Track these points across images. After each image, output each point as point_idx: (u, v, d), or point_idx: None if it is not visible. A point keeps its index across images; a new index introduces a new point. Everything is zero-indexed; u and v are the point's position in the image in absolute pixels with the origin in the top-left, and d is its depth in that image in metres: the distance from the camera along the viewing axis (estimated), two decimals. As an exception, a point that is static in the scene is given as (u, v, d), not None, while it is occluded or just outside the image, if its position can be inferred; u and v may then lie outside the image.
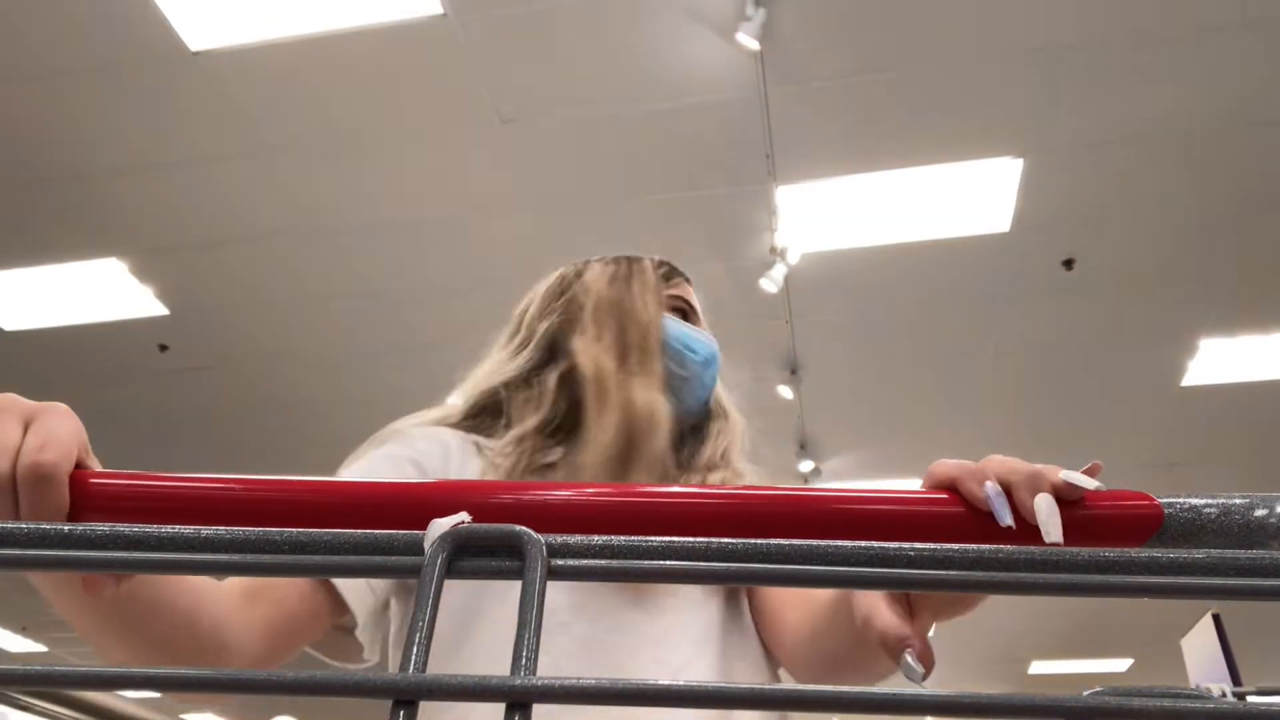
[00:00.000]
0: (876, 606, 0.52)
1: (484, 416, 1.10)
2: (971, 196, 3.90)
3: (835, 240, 4.15)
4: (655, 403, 1.03)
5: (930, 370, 4.96)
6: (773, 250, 4.15)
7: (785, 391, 5.03)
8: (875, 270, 4.27)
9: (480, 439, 1.06)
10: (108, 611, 0.66)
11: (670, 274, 1.21)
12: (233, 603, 0.76)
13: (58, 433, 0.50)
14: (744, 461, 1.18)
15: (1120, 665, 9.24)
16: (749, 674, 0.95)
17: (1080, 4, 3.13)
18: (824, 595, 0.82)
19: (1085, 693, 0.32)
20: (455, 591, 0.90)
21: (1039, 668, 9.23)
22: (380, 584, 0.91)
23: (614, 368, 1.06)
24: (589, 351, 1.08)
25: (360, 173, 3.92)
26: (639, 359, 1.07)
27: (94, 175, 3.95)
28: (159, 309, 4.68)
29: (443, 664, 0.86)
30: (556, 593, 0.90)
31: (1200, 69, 3.29)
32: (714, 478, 1.08)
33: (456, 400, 1.14)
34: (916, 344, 4.78)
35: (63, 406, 0.53)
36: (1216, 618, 3.17)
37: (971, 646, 8.87)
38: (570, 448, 1.04)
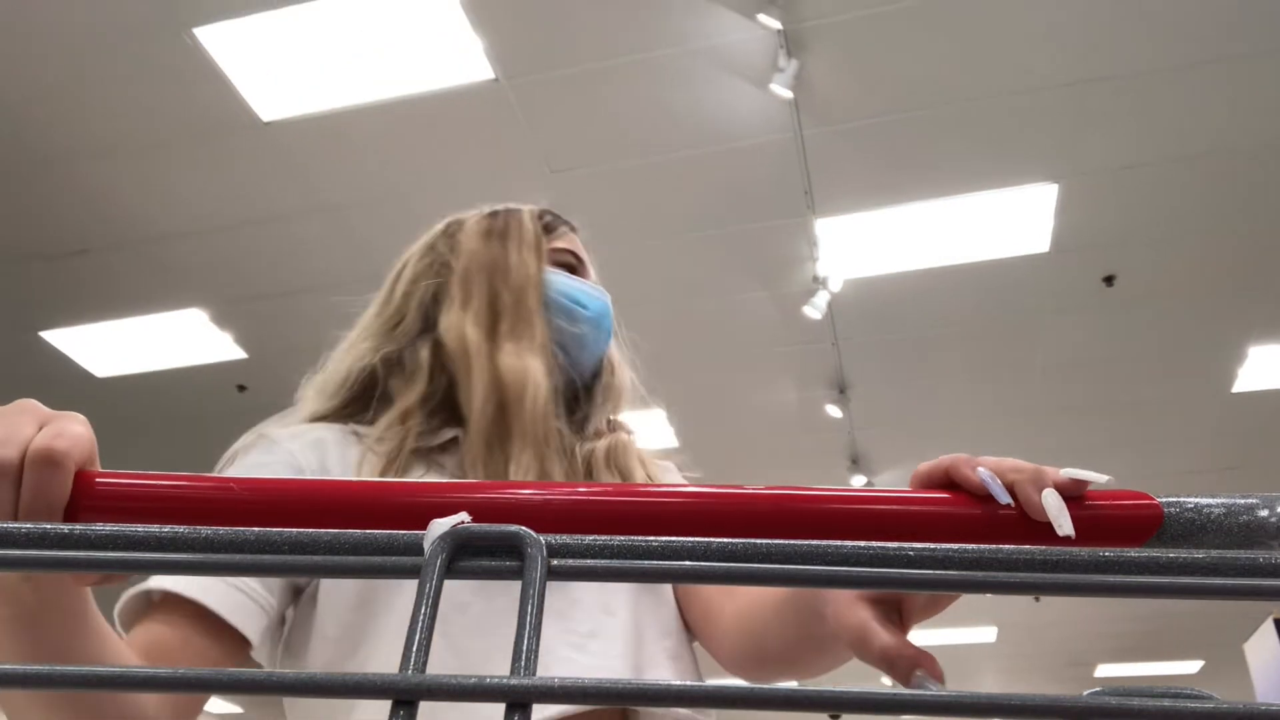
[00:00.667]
0: (865, 623, 0.46)
1: (359, 402, 0.95)
2: (1008, 221, 3.84)
3: (876, 266, 4.12)
4: (526, 369, 0.91)
5: (978, 385, 4.89)
6: (815, 279, 4.14)
7: (834, 411, 4.99)
8: (917, 292, 4.23)
9: (358, 427, 0.93)
10: (37, 621, 0.59)
11: (553, 224, 1.06)
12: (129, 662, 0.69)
13: (71, 429, 0.49)
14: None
15: (1190, 668, 8.84)
16: (660, 641, 0.86)
17: (1106, 40, 3.09)
18: (769, 590, 0.74)
19: (1085, 692, 0.29)
20: (347, 586, 0.81)
21: (1105, 671, 8.92)
22: (271, 601, 0.81)
23: (481, 336, 0.93)
24: (455, 321, 0.95)
25: (418, 223, 3.94)
26: (512, 323, 0.95)
27: (177, 236, 4.05)
28: (237, 353, 4.76)
29: (348, 657, 0.79)
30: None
31: (1228, 93, 3.23)
32: (601, 445, 0.97)
33: (310, 392, 0.98)
34: (963, 361, 4.71)
35: (79, 415, 0.51)
36: (1278, 621, 3.02)
37: (1035, 650, 8.63)
38: (459, 426, 0.93)
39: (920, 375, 4.86)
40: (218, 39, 3.20)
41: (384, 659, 0.77)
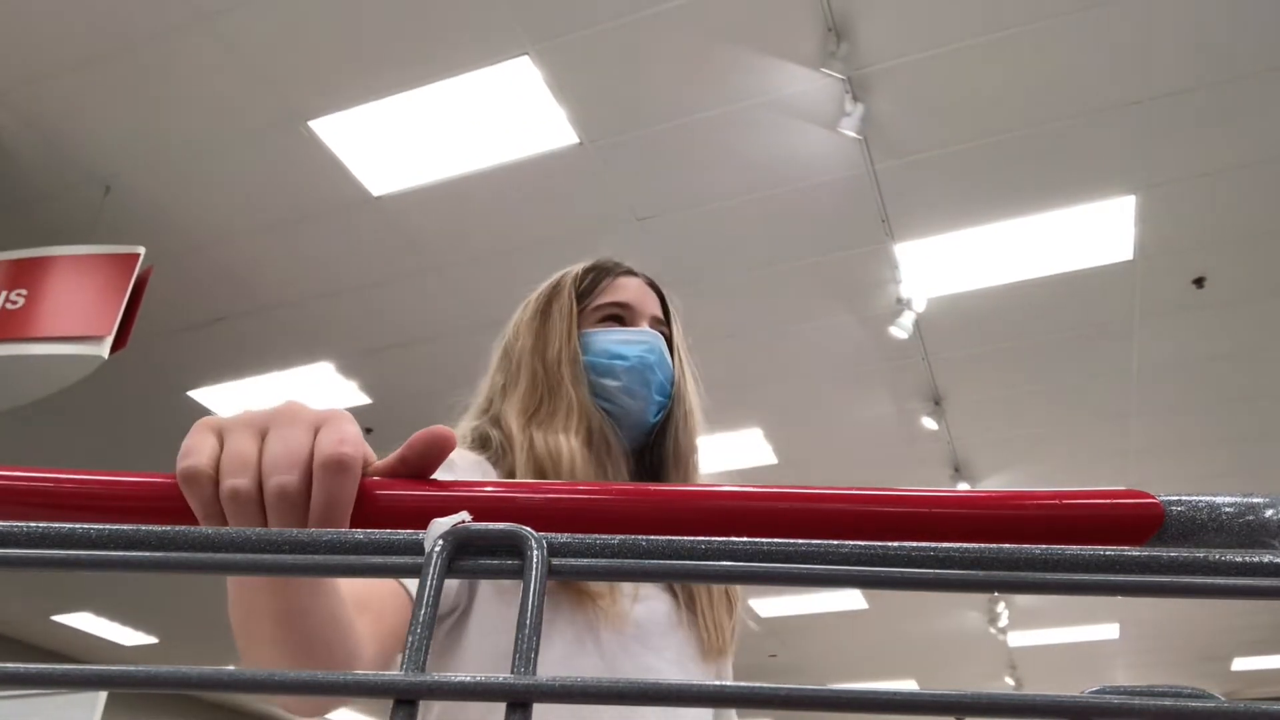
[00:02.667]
0: None
1: (486, 443, 0.99)
2: (1088, 233, 3.70)
3: (959, 284, 4.03)
4: (559, 447, 0.91)
5: (1073, 391, 4.71)
6: (899, 301, 4.07)
7: (929, 423, 4.89)
8: (1003, 306, 4.12)
9: (486, 463, 0.96)
10: (285, 604, 0.59)
11: (597, 280, 1.04)
12: (352, 612, 0.68)
13: (351, 431, 0.45)
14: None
15: None
16: None
17: (1167, 57, 2.98)
18: None
19: (1087, 691, 0.26)
20: (493, 614, 0.83)
21: (1242, 664, 8.32)
22: (455, 585, 0.84)
23: (521, 423, 0.95)
24: (505, 410, 0.98)
25: (517, 276, 4.03)
26: (552, 402, 0.96)
27: (304, 300, 4.24)
28: (363, 399, 4.95)
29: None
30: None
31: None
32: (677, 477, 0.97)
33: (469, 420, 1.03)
34: (1055, 368, 4.54)
35: (348, 413, 0.47)
36: None
37: (1170, 646, 8.13)
38: None
39: (1015, 383, 4.70)
40: (330, 128, 3.37)
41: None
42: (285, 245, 3.97)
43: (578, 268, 1.06)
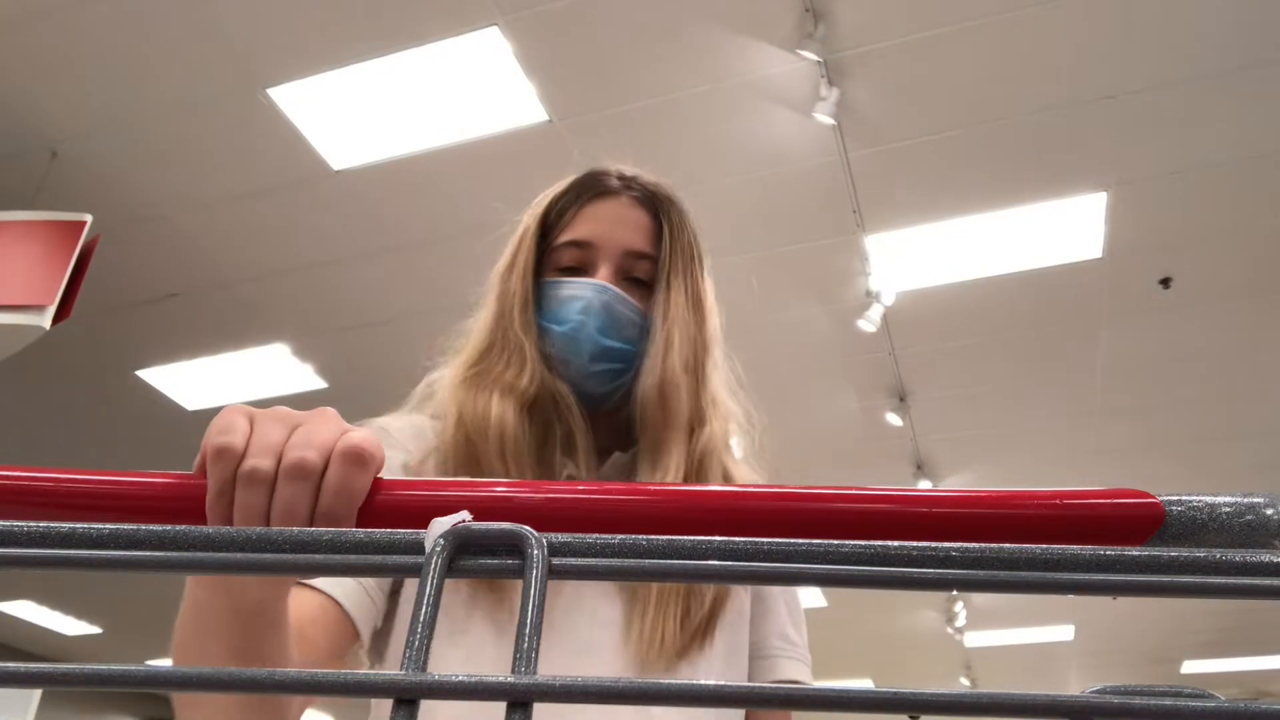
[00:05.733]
0: None
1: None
2: (1058, 230, 3.75)
3: (928, 278, 4.07)
4: (488, 410, 0.81)
5: (1038, 390, 4.78)
6: (868, 293, 4.10)
7: (894, 419, 4.93)
8: (971, 302, 4.16)
9: (428, 428, 0.88)
10: (248, 621, 0.60)
11: (566, 208, 0.91)
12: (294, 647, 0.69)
13: (370, 435, 0.45)
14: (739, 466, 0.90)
15: None
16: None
17: (1144, 52, 3.02)
18: None
19: (1087, 690, 0.27)
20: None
21: (1191, 667, 8.56)
22: (382, 601, 0.79)
23: (456, 382, 0.86)
24: (453, 372, 0.88)
25: (481, 257, 4.00)
26: (500, 354, 0.86)
27: (259, 278, 4.18)
28: (319, 383, 4.88)
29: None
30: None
31: (1268, 97, 3.13)
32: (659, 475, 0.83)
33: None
34: (1021, 366, 4.61)
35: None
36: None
37: (1122, 648, 8.33)
38: None
39: (980, 380, 4.77)
40: (289, 97, 3.31)
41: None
42: (240, 219, 3.89)
43: (560, 186, 0.94)
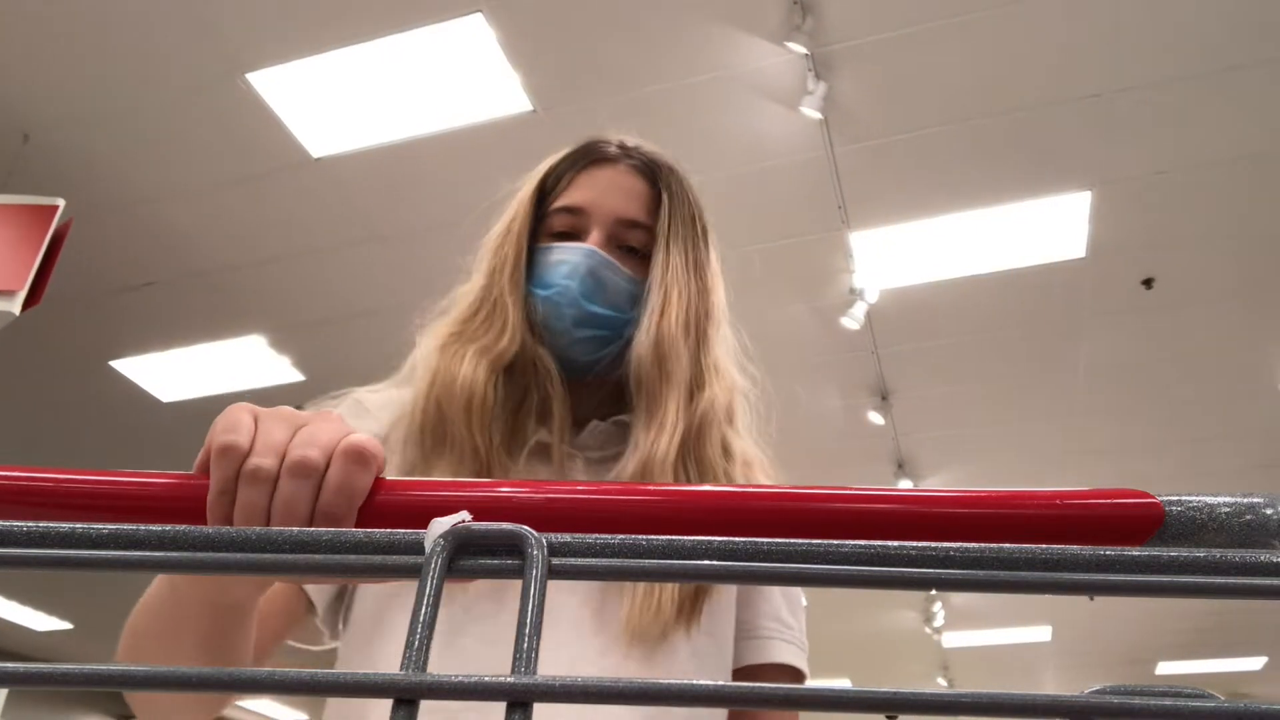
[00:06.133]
0: None
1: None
2: (1042, 229, 3.77)
3: (912, 276, 4.09)
4: (458, 371, 0.80)
5: (1020, 390, 4.82)
6: (852, 291, 4.12)
7: (876, 418, 4.95)
8: (955, 300, 4.18)
9: (407, 400, 0.87)
10: (226, 614, 0.63)
11: (562, 174, 0.90)
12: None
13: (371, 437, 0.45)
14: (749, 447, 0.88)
15: (1254, 664, 8.53)
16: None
17: (1131, 50, 3.04)
18: None
19: (1086, 690, 0.28)
20: (368, 599, 0.79)
21: (1166, 668, 8.66)
22: (323, 589, 0.81)
23: (446, 332, 0.85)
24: (436, 330, 0.87)
25: (462, 249, 3.98)
26: (486, 317, 0.84)
27: (236, 267, 4.14)
28: (296, 376, 4.83)
29: (364, 645, 0.77)
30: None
31: (1256, 97, 3.16)
32: (634, 460, 0.79)
33: None
34: (1004, 366, 4.65)
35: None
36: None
37: (1092, 649, 8.41)
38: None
39: (962, 380, 4.80)
40: (269, 83, 3.28)
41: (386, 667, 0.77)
42: (217, 207, 3.85)
43: (560, 153, 0.93)
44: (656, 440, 0.79)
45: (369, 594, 0.81)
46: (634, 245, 0.88)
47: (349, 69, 3.20)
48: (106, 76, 3.28)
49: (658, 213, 0.89)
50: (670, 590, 0.76)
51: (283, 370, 4.80)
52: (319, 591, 0.80)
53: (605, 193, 0.88)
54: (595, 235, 0.87)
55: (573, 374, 0.86)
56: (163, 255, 4.09)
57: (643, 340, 0.83)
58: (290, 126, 3.44)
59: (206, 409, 5.07)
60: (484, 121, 3.40)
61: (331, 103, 3.35)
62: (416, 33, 3.07)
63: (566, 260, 0.85)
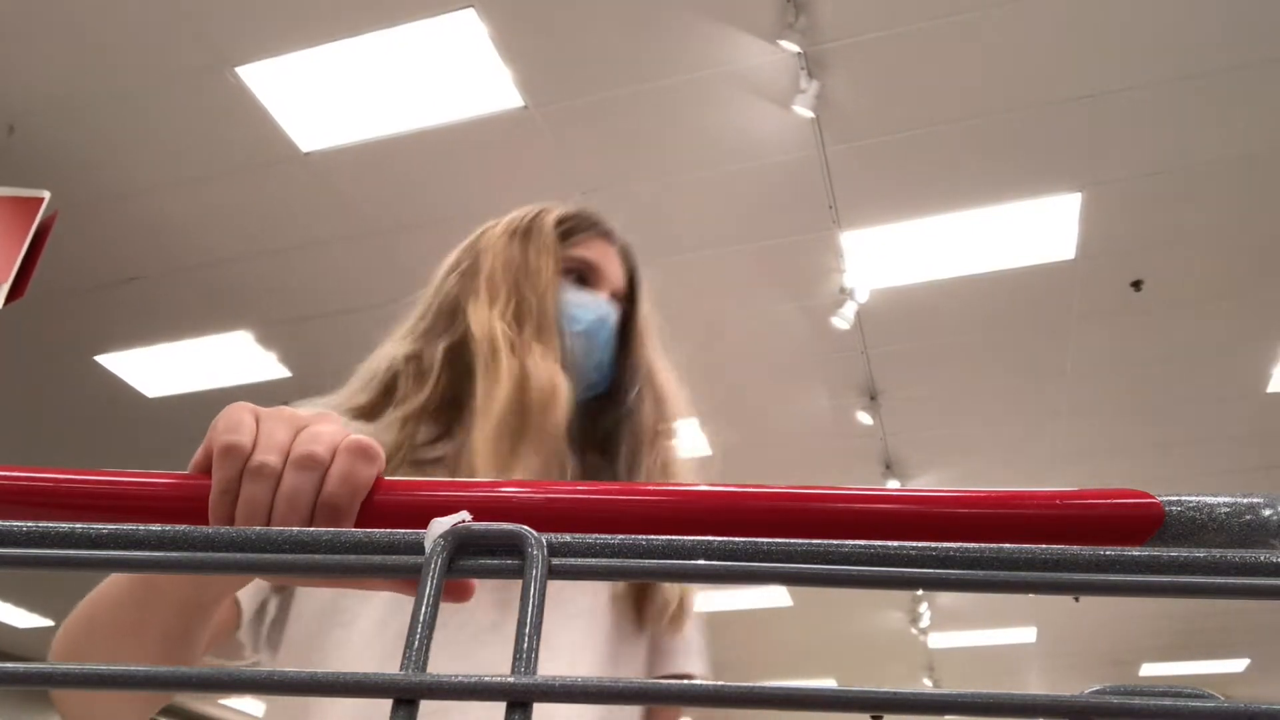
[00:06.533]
0: None
1: (382, 401, 0.91)
2: (1032, 229, 3.79)
3: (903, 276, 4.10)
4: (554, 374, 0.86)
5: (1009, 391, 4.84)
6: (842, 290, 4.13)
7: (864, 418, 4.97)
8: (944, 301, 4.20)
9: (363, 424, 0.89)
10: (197, 611, 0.64)
11: (575, 229, 0.99)
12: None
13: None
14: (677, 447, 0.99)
15: (1237, 666, 8.61)
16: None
17: (1122, 51, 3.06)
18: None
19: (1086, 690, 0.28)
20: (317, 595, 0.81)
21: (1150, 670, 8.72)
22: (265, 585, 0.81)
23: (512, 333, 0.88)
24: (483, 317, 0.90)
25: (454, 246, 3.97)
26: (536, 326, 0.89)
27: (223, 262, 4.12)
28: (282, 372, 4.81)
29: (304, 663, 0.78)
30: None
31: (1246, 99, 3.18)
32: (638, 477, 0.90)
33: (348, 386, 0.95)
34: (992, 367, 4.67)
35: None
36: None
37: (1077, 650, 8.45)
38: (455, 439, 0.88)
39: (951, 381, 4.82)
40: (259, 77, 3.26)
41: (346, 662, 0.77)
42: (205, 201, 3.83)
43: (560, 207, 1.01)
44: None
45: (304, 614, 0.82)
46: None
47: (340, 63, 3.19)
48: (94, 69, 3.26)
49: (631, 294, 1.03)
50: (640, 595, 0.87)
51: (269, 366, 4.78)
52: (249, 601, 0.80)
53: (611, 263, 1.00)
54: (604, 295, 0.98)
55: (578, 390, 0.94)
56: (150, 249, 4.06)
57: (648, 416, 0.97)
58: (280, 121, 3.42)
59: (193, 405, 5.06)
60: (475, 117, 3.39)
61: (322, 97, 3.34)
62: (408, 27, 3.06)
63: (594, 307, 0.96)
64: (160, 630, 0.65)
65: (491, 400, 0.85)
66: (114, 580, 0.67)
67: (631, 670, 0.85)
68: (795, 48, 3.04)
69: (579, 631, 0.82)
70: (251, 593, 0.80)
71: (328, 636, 0.79)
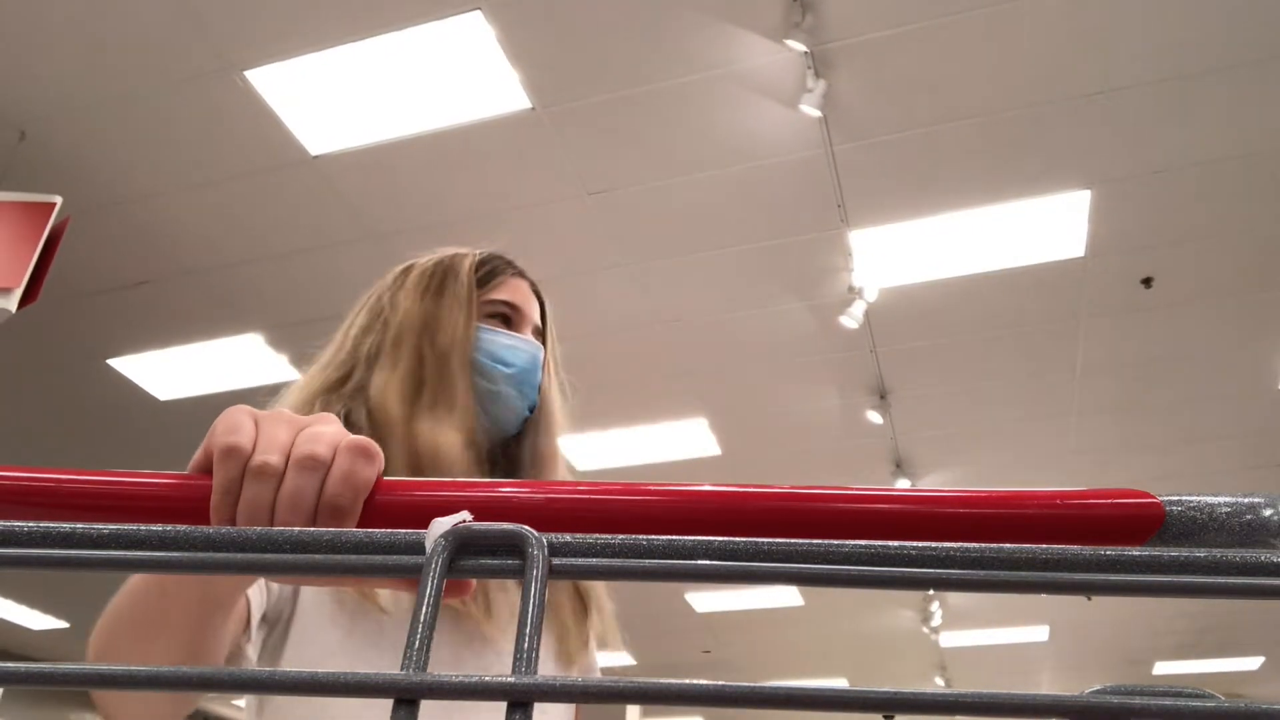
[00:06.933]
0: None
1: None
2: (1042, 227, 3.77)
3: (911, 275, 4.08)
4: (439, 444, 0.90)
5: (1018, 389, 4.82)
6: (850, 289, 4.12)
7: (875, 417, 4.96)
8: (953, 299, 4.18)
9: None
10: (213, 612, 0.65)
11: (493, 273, 1.03)
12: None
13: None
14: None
15: (1251, 664, 8.54)
16: None
17: (1130, 49, 3.04)
18: None
19: (1086, 691, 0.28)
20: (320, 640, 0.83)
21: (1163, 669, 8.68)
22: (276, 590, 0.85)
23: (401, 407, 0.92)
24: (380, 387, 0.94)
25: (461, 246, 3.98)
26: (435, 389, 0.94)
27: (234, 265, 4.13)
28: (294, 374, 4.77)
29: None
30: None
31: (1256, 96, 3.16)
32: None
33: None
34: (1002, 365, 4.64)
35: None
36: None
37: (1090, 649, 8.41)
38: None
39: (960, 380, 4.80)
40: (267, 80, 3.27)
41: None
42: (215, 205, 3.85)
43: (473, 253, 1.05)
44: None
45: (309, 642, 0.84)
46: None
47: (348, 66, 3.20)
48: (104, 74, 3.28)
49: (544, 326, 1.08)
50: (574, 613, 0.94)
51: (280, 369, 4.79)
52: (258, 602, 0.82)
53: (528, 301, 1.05)
54: (527, 333, 1.03)
55: (496, 445, 1.01)
56: (161, 253, 4.09)
57: (546, 438, 1.03)
58: (288, 124, 3.43)
59: (204, 407, 5.08)
60: (483, 119, 3.40)
61: (330, 100, 3.35)
62: (415, 30, 3.07)
63: (525, 349, 1.00)
64: (180, 629, 0.65)
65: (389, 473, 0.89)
66: (129, 585, 0.68)
67: None
68: (802, 47, 3.04)
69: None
70: (258, 600, 0.82)
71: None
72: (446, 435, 0.90)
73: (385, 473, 0.86)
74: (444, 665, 0.82)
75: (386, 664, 0.81)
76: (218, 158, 3.60)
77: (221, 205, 3.84)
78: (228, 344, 4.63)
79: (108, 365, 4.78)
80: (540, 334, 1.06)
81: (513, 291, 1.03)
